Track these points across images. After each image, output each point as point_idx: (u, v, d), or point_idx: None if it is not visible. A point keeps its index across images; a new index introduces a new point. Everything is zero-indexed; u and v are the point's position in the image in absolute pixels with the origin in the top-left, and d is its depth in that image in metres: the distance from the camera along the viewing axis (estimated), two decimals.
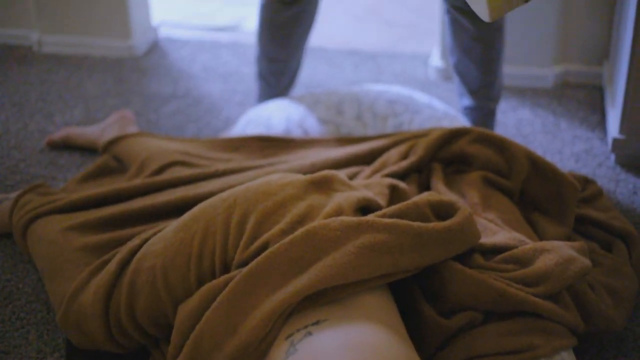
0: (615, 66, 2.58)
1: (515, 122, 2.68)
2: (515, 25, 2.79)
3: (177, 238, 1.60)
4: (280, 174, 1.71)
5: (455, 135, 2.04)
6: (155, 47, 3.23)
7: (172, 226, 1.65)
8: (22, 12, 3.17)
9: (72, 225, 1.87)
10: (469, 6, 2.23)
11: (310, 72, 3.04)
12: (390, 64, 3.12)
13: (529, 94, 2.85)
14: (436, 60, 2.99)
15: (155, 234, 1.72)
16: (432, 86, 2.93)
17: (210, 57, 3.16)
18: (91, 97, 2.84)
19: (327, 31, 3.41)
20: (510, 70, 2.86)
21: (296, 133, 2.33)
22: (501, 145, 2.01)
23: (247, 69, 3.05)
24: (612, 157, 2.45)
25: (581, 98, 2.81)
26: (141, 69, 3.05)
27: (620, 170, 2.41)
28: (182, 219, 1.65)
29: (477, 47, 2.32)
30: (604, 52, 2.87)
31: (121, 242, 1.81)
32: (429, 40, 3.30)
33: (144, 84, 2.94)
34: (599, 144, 2.53)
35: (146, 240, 1.70)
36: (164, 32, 3.36)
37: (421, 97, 2.40)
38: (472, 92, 2.41)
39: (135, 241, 1.70)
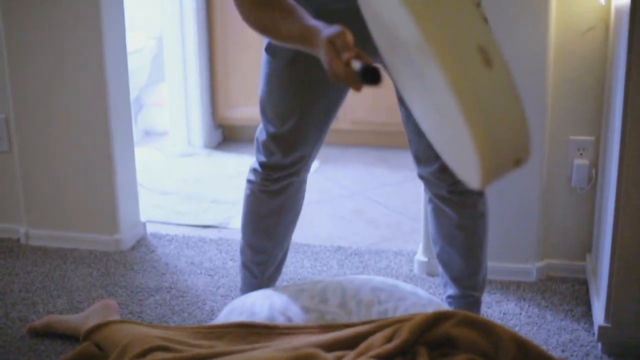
0: (598, 258, 2.60)
1: (500, 315, 2.67)
2: (497, 221, 2.82)
3: None
4: (261, 350, 1.69)
5: (439, 318, 2.03)
6: (142, 242, 3.25)
7: None
8: (12, 206, 3.21)
9: None
10: (451, 195, 2.26)
11: (296, 267, 3.05)
12: (376, 260, 3.13)
13: (513, 287, 2.85)
14: (420, 255, 3.01)
15: None
16: (417, 281, 2.93)
17: (196, 252, 3.17)
18: (75, 289, 2.83)
19: (312, 230, 3.45)
20: (494, 265, 2.87)
21: (280, 321, 2.31)
22: (486, 328, 1.99)
23: (233, 263, 3.06)
24: (599, 346, 2.43)
25: (565, 291, 2.81)
26: (127, 262, 3.06)
27: (607, 359, 2.38)
28: None
29: (460, 235, 2.34)
30: (587, 246, 2.90)
31: None
32: (414, 239, 3.33)
33: (129, 277, 2.94)
34: (585, 335, 2.52)
35: None
36: (151, 228, 3.39)
37: (405, 285, 2.39)
38: (456, 280, 2.41)
39: None
